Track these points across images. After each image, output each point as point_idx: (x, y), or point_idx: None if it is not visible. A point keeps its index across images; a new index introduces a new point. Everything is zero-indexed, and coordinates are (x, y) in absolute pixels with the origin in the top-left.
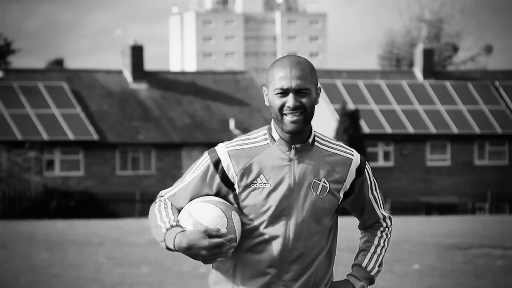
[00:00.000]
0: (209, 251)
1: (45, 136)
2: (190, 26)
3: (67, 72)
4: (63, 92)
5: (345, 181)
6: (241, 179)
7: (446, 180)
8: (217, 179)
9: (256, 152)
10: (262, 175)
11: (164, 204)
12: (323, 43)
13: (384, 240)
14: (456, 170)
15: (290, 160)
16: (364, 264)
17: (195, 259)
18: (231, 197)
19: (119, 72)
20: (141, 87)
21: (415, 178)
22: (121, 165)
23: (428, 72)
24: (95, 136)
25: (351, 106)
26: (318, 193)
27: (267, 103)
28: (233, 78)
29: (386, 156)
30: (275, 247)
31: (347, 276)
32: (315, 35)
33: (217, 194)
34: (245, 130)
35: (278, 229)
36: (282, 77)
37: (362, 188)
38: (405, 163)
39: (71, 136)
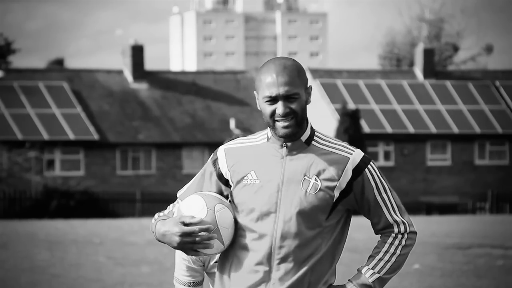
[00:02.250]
0: (181, 238)
1: (45, 136)
2: (190, 26)
3: (67, 72)
4: (64, 92)
5: (339, 179)
6: (233, 175)
7: (446, 180)
8: (214, 176)
9: (251, 149)
10: (253, 171)
11: (172, 204)
12: (324, 43)
13: (396, 247)
14: (457, 170)
15: (282, 157)
16: (364, 270)
17: (173, 247)
18: (229, 195)
19: (120, 72)
20: (142, 87)
21: (415, 178)
22: (121, 165)
23: (429, 72)
24: (96, 136)
25: (351, 106)
26: (308, 190)
27: (259, 108)
28: (233, 78)
29: (387, 156)
30: (264, 244)
31: (348, 280)
32: (315, 34)
33: (220, 193)
34: (245, 130)
35: (266, 226)
36: (269, 84)
37: (363, 189)
38: (406, 163)
39: (71, 136)
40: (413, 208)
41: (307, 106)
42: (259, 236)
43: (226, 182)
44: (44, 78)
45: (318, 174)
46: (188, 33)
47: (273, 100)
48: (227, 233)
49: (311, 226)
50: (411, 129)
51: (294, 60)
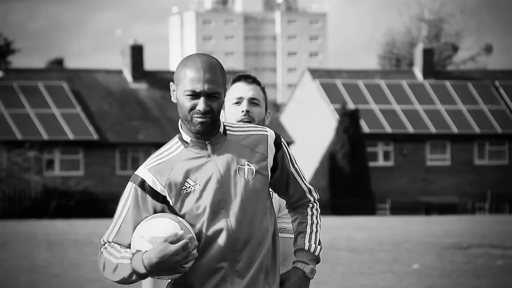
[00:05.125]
0: (179, 255)
1: (45, 136)
2: (190, 26)
3: (67, 72)
4: (63, 92)
5: (267, 157)
6: (170, 190)
7: (446, 180)
8: (148, 198)
9: (175, 160)
10: (188, 178)
11: (111, 247)
12: (323, 43)
13: (316, 216)
14: (456, 170)
15: (209, 155)
16: (306, 247)
17: (170, 272)
18: (167, 211)
19: (119, 72)
20: (141, 86)
21: (415, 178)
22: (121, 165)
23: (428, 72)
24: (95, 136)
25: (351, 106)
26: (245, 177)
27: (174, 100)
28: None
29: (386, 156)
30: (221, 240)
31: (293, 263)
32: (315, 34)
33: (154, 213)
34: None
35: (219, 223)
36: (194, 79)
37: (283, 161)
38: (405, 163)
39: (71, 136)
40: (413, 208)
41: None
42: (214, 235)
43: (162, 200)
44: (43, 78)
45: (249, 159)
46: (188, 33)
47: (195, 95)
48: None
49: (258, 210)
50: (410, 129)
51: (217, 59)
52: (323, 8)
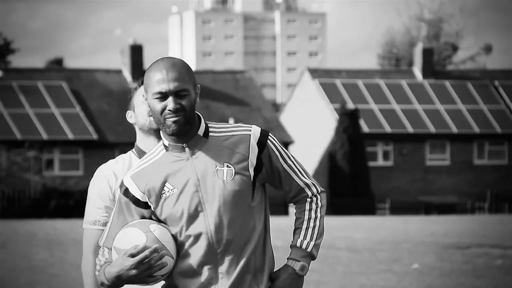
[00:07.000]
0: (137, 269)
1: (44, 136)
2: (189, 26)
3: (66, 72)
4: (63, 91)
5: (248, 157)
6: (150, 195)
7: (445, 180)
8: (131, 204)
9: (155, 165)
10: (167, 183)
11: (101, 252)
12: (323, 43)
13: (315, 211)
14: (456, 170)
15: (188, 159)
16: (299, 243)
17: (134, 284)
18: (153, 217)
19: (119, 72)
20: None
21: (414, 178)
22: None
23: (428, 71)
24: (95, 136)
25: (350, 105)
26: (224, 178)
27: (148, 107)
28: (232, 78)
29: (386, 156)
30: (201, 244)
31: (287, 259)
32: (314, 34)
33: (142, 218)
34: None
35: (198, 226)
36: (159, 81)
37: (271, 160)
38: (405, 163)
39: (70, 136)
40: (412, 208)
41: (196, 105)
42: (194, 239)
43: (145, 205)
44: (43, 78)
45: (228, 161)
46: (187, 32)
47: (163, 96)
48: (172, 246)
49: (240, 211)
50: (410, 129)
51: (181, 59)
52: (323, 8)
